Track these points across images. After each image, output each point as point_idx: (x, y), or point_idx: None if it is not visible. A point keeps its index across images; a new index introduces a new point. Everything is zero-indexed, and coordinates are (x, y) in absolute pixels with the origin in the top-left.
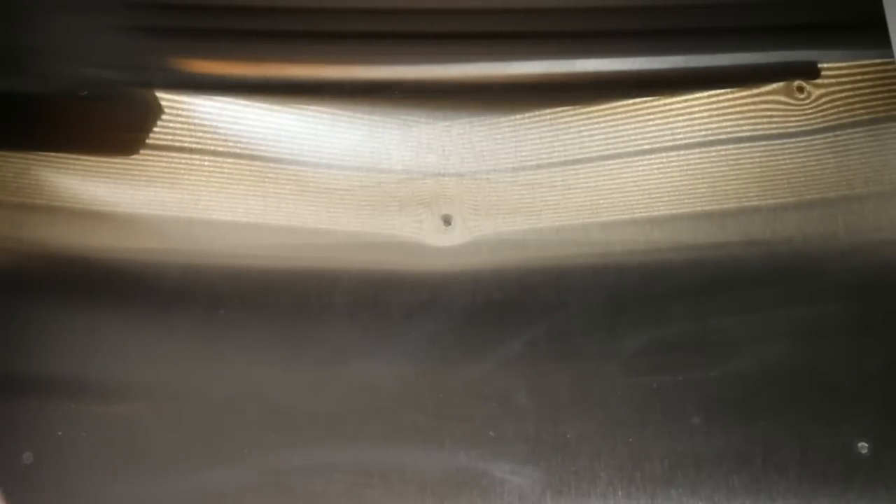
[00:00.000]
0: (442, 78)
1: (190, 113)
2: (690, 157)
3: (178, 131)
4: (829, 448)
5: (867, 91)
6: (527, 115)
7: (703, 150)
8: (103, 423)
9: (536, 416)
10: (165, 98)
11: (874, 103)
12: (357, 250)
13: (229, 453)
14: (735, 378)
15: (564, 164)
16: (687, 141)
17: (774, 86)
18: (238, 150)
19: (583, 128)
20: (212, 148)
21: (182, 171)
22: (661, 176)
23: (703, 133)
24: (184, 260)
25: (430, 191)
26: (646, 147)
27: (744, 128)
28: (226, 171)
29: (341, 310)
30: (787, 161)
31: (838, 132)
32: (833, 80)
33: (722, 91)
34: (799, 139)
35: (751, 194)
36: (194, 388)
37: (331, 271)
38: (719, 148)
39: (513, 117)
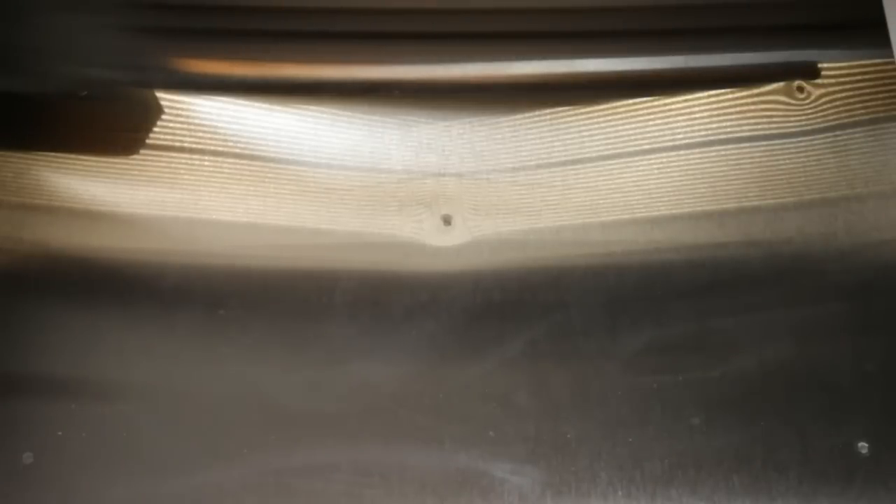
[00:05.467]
0: (442, 78)
1: (190, 113)
2: (690, 157)
3: (178, 131)
4: (829, 448)
5: (867, 91)
6: (527, 115)
7: (703, 150)
8: (103, 423)
9: (536, 416)
10: (165, 98)
11: (874, 103)
12: (357, 250)
13: (229, 453)
14: (735, 378)
15: (564, 164)
16: (687, 141)
17: (774, 86)
18: (238, 150)
19: (583, 128)
20: (212, 148)
21: (182, 171)
22: (661, 176)
23: (703, 133)
24: (184, 260)
25: (430, 191)
26: (646, 147)
27: (744, 128)
28: (226, 171)
29: (341, 310)
30: (787, 161)
31: (838, 132)
32: (833, 80)
33: (722, 91)
34: (799, 139)
35: (751, 194)
36: (194, 388)
37: (331, 271)
38: (719, 148)
39: (513, 117)
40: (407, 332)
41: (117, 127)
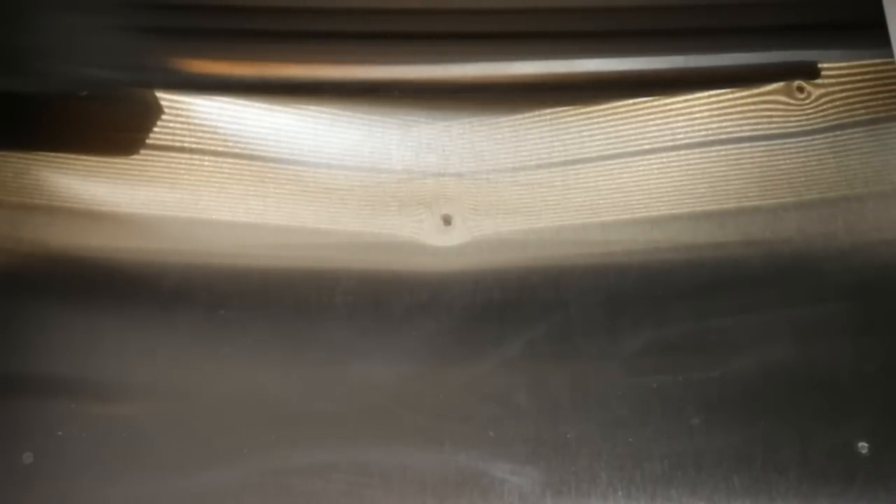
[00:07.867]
0: (442, 78)
1: (190, 113)
2: (690, 157)
3: (178, 131)
4: (829, 448)
5: (867, 91)
6: (527, 115)
7: (703, 150)
8: (103, 423)
9: (536, 416)
10: (165, 98)
11: (874, 103)
12: (357, 250)
13: (229, 453)
14: (735, 378)
15: (564, 164)
16: (687, 141)
17: (774, 86)
18: (238, 150)
19: (583, 128)
20: (212, 148)
21: (182, 171)
22: (661, 176)
23: (703, 133)
24: (184, 260)
25: (430, 191)
26: (646, 147)
27: (744, 128)
28: (226, 171)
29: (341, 310)
30: (787, 161)
31: (838, 132)
32: (833, 80)
33: (722, 91)
34: (799, 139)
35: (751, 194)
36: (194, 388)
37: (331, 271)
38: (719, 148)
39: (513, 117)
40: (407, 332)
41: (117, 127)
